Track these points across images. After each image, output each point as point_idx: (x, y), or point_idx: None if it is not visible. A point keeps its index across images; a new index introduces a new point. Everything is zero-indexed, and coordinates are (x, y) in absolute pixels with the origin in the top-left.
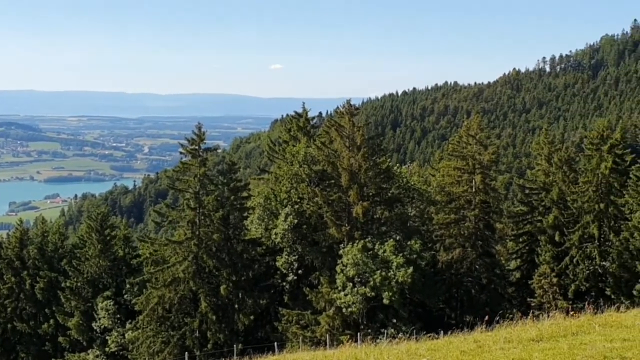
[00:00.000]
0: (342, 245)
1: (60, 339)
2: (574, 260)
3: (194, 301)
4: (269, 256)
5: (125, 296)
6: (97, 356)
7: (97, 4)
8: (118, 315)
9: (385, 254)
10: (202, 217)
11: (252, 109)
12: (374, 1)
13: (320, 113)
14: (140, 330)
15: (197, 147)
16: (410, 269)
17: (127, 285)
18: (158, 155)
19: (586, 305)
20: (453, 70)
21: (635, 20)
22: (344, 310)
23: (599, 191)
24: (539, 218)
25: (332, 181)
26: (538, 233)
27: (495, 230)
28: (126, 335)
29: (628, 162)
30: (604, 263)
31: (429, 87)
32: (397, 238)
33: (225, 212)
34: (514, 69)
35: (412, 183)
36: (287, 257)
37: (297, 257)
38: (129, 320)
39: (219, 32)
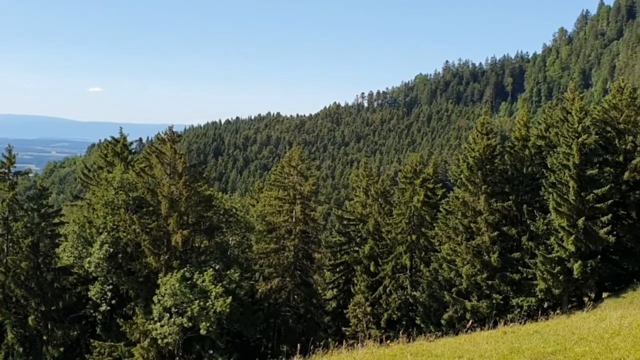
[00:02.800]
0: (160, 274)
1: None
2: (387, 289)
3: None
4: (82, 285)
5: None
6: None
7: None
8: None
9: (204, 284)
10: (10, 244)
11: (69, 132)
12: (196, 28)
13: (141, 139)
14: None
15: (6, 171)
16: (229, 299)
17: None
18: None
19: (397, 334)
20: (277, 101)
21: (447, 61)
22: (159, 341)
23: (411, 223)
24: (356, 248)
25: (152, 209)
26: (354, 263)
27: (313, 260)
28: None
29: (439, 196)
30: (414, 293)
31: (253, 117)
32: (217, 267)
33: (35, 239)
34: (335, 103)
35: (233, 212)
36: (100, 286)
37: (111, 286)
38: None
39: (33, 51)
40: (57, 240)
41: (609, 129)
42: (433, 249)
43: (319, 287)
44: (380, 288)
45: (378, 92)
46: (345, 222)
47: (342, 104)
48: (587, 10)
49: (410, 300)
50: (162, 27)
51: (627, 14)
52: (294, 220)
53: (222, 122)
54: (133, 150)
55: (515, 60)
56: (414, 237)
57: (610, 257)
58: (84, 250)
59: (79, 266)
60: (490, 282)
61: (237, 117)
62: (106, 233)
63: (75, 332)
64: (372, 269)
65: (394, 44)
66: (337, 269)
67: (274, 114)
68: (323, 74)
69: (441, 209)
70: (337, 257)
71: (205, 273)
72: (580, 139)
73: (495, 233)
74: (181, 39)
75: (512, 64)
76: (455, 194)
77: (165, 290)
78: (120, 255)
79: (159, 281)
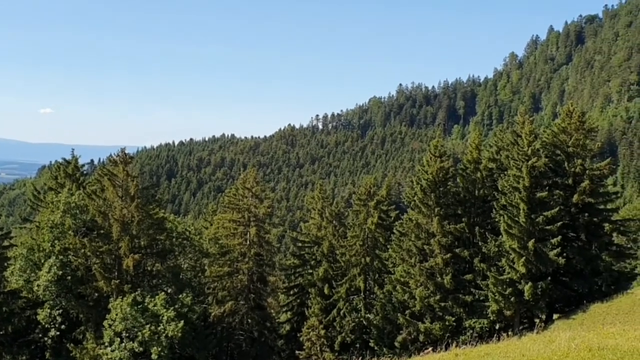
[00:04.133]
0: (111, 298)
1: None
2: (341, 312)
3: None
4: (31, 309)
5: None
6: None
7: None
8: None
9: (155, 308)
10: None
11: (19, 154)
12: (149, 48)
13: (92, 160)
14: None
15: None
16: (181, 323)
17: None
18: None
19: (351, 357)
20: (231, 122)
21: (400, 84)
22: None
23: (365, 245)
24: (310, 271)
25: (103, 232)
26: (309, 286)
27: (267, 283)
28: None
29: (392, 218)
30: (368, 315)
31: (207, 139)
32: (169, 291)
33: None
34: (290, 124)
35: (186, 235)
36: (49, 310)
37: (61, 310)
38: None
39: None
40: (5, 264)
41: (558, 152)
42: (387, 271)
43: (272, 310)
44: (334, 311)
45: (333, 115)
46: (299, 244)
47: (297, 126)
48: (537, 35)
49: (364, 322)
50: (114, 47)
51: (576, 39)
52: (248, 242)
53: (176, 143)
54: (85, 172)
55: (467, 84)
56: (368, 259)
57: (561, 278)
58: (32, 274)
59: (28, 290)
60: (443, 304)
61: (191, 139)
62: (54, 256)
63: (24, 357)
64: (326, 291)
65: (348, 66)
66: (291, 292)
67: (228, 135)
68: (278, 96)
69: (395, 231)
70: (291, 280)
71: (156, 297)
72: (530, 162)
73: (448, 255)
74: (133, 59)
75: (464, 88)
76: (408, 216)
77: (116, 314)
78: (69, 278)
79: (109, 305)
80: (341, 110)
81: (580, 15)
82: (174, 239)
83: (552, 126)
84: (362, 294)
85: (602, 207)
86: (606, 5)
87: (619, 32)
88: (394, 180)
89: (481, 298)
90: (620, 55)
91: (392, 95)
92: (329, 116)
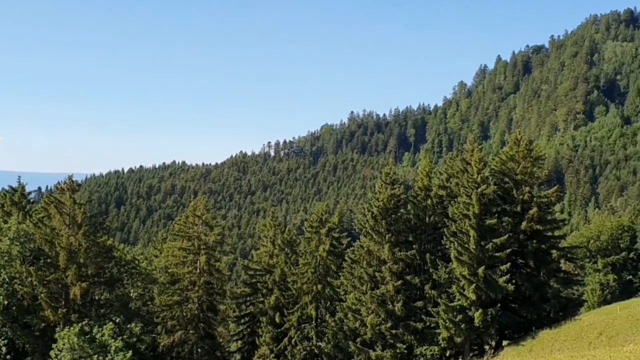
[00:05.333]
0: (57, 328)
1: None
2: (293, 340)
3: None
4: None
5: None
6: None
7: None
8: None
9: (103, 338)
10: None
11: None
12: (98, 73)
13: (40, 188)
14: None
15: None
16: (129, 353)
17: None
18: None
19: None
20: (182, 149)
21: (352, 112)
22: None
23: (317, 273)
24: (262, 299)
25: (50, 260)
26: (260, 314)
27: (218, 312)
28: None
29: (344, 245)
30: (320, 343)
31: (157, 166)
32: (117, 321)
33: None
34: (241, 151)
35: (135, 263)
36: None
37: (6, 340)
38: None
39: None
40: None
41: (507, 179)
42: (338, 299)
43: (222, 340)
44: (286, 339)
45: (285, 141)
46: (251, 272)
47: (249, 153)
48: (485, 64)
49: (316, 351)
50: (61, 73)
51: (523, 68)
52: (198, 271)
53: (125, 170)
54: (32, 200)
55: (417, 112)
56: (319, 286)
57: (510, 305)
58: None
59: None
60: (394, 331)
61: (141, 166)
62: None
63: None
64: (277, 319)
65: (299, 93)
66: (242, 321)
67: (179, 162)
68: (229, 122)
69: (346, 258)
70: (242, 309)
71: (104, 327)
72: (479, 189)
73: (399, 282)
74: (83, 86)
75: (415, 116)
76: (360, 243)
77: (63, 344)
78: (15, 308)
79: (56, 335)
80: (293, 137)
81: (527, 46)
82: (122, 268)
83: (500, 154)
84: (313, 322)
85: (549, 234)
86: (552, 35)
87: (565, 62)
88: (345, 208)
89: (432, 325)
90: (566, 85)
91: (344, 123)
92: (281, 143)
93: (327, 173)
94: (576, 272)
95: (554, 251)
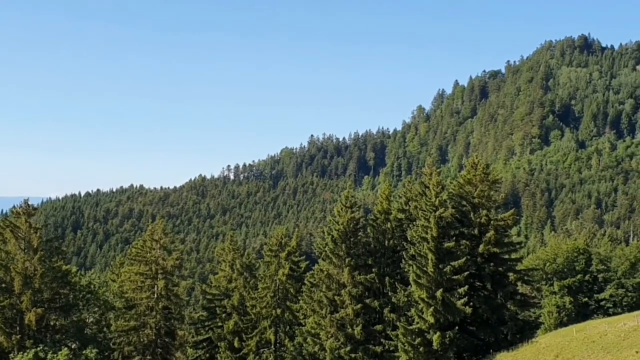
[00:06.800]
0: (11, 354)
1: None
2: None
3: None
4: None
5: None
6: None
7: None
8: None
9: None
10: None
11: None
12: (51, 97)
13: None
14: None
15: None
16: None
17: None
18: None
19: None
20: (140, 173)
21: (312, 135)
22: None
23: (276, 297)
24: (220, 324)
25: (4, 285)
26: (218, 339)
27: (176, 337)
28: None
29: (303, 269)
30: None
31: (114, 189)
32: (73, 346)
33: None
34: (200, 175)
35: (92, 288)
36: None
37: None
38: None
39: None
40: None
41: (464, 203)
42: (298, 323)
43: None
44: None
45: (244, 165)
46: (209, 296)
47: (208, 176)
48: (443, 89)
49: None
50: (10, 97)
51: (480, 93)
52: (155, 296)
53: (82, 194)
54: None
55: (377, 135)
56: (278, 310)
57: (468, 328)
58: None
59: None
60: (353, 355)
61: (98, 190)
62: None
63: None
64: (236, 344)
65: (259, 116)
66: (200, 346)
67: (136, 186)
68: (188, 146)
69: (306, 282)
70: (200, 333)
71: (59, 352)
72: (437, 213)
73: (359, 305)
74: (39, 107)
75: (374, 139)
76: (319, 267)
77: None
78: None
79: None
80: (253, 161)
81: (484, 71)
82: (78, 293)
83: (458, 178)
84: (272, 346)
85: (506, 256)
86: (508, 60)
87: (521, 87)
88: (305, 231)
89: (391, 349)
90: (522, 110)
91: (304, 146)
92: (241, 166)
93: (287, 196)
94: (533, 295)
95: (510, 274)
